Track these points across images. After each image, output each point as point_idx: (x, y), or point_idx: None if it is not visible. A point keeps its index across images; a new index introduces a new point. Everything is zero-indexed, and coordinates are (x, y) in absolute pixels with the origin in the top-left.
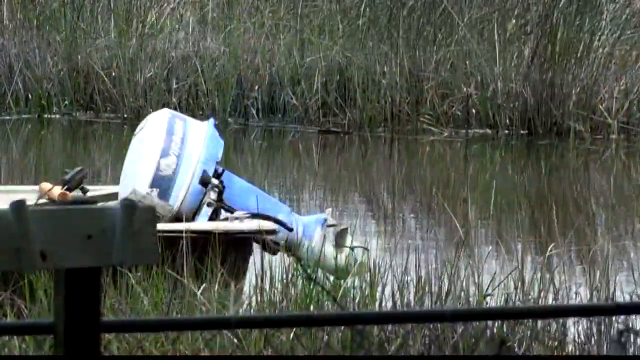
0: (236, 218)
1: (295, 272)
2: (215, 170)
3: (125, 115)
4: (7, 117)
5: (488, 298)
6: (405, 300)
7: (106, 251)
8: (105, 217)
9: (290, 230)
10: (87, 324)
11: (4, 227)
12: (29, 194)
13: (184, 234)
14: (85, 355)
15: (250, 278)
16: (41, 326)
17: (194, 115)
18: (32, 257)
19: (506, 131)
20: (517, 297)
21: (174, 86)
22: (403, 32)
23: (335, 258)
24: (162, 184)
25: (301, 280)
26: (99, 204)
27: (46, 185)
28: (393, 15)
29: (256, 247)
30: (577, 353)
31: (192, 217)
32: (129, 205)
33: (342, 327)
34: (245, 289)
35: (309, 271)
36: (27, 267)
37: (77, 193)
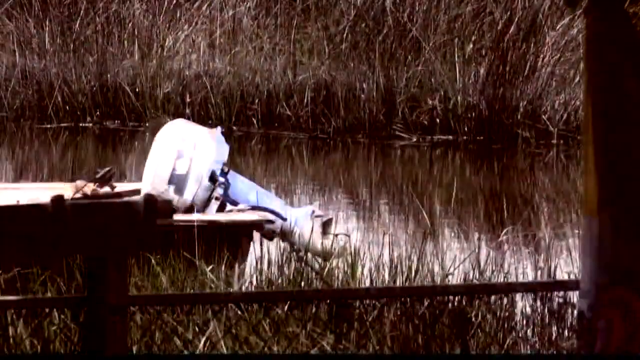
0: (239, 210)
1: (288, 255)
2: (222, 170)
3: (147, 124)
4: (48, 126)
5: (450, 276)
6: (381, 277)
7: (131, 237)
8: (130, 209)
9: (284, 220)
10: (116, 298)
11: (46, 218)
12: (67, 190)
13: (196, 223)
14: (113, 325)
15: (251, 260)
16: (77, 300)
17: (204, 124)
18: (70, 243)
19: (465, 137)
20: (474, 275)
21: (188, 100)
22: (379, 54)
23: (322, 243)
24: (178, 181)
25: (294, 262)
26: (125, 198)
27: (81, 183)
28: (370, 41)
29: (256, 235)
30: (524, 322)
31: (202, 209)
32: (150, 199)
33: (328, 301)
34: (247, 269)
35: (300, 254)
36: (66, 251)
37: (106, 189)
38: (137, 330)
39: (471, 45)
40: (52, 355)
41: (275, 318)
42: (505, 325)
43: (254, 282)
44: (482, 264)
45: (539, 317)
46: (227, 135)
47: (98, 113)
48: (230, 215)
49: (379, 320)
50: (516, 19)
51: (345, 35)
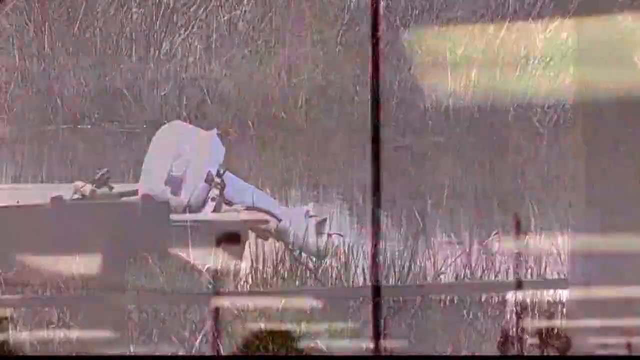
0: (235, 210)
1: (283, 255)
2: (218, 171)
3: (145, 126)
4: (48, 128)
5: (441, 275)
6: (374, 277)
7: (129, 237)
8: (128, 209)
9: (279, 220)
10: (114, 297)
11: (45, 217)
12: (66, 191)
13: (190, 224)
14: (111, 324)
15: (246, 259)
16: (77, 299)
17: (200, 127)
18: (69, 242)
19: (457, 138)
20: (465, 274)
21: (184, 102)
22: (372, 57)
23: (316, 243)
24: (175, 182)
25: (288, 262)
26: (123, 199)
27: (79, 183)
28: (363, 45)
29: (251, 235)
30: (515, 321)
31: (198, 210)
32: (148, 200)
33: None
34: (243, 268)
35: (294, 254)
36: (66, 251)
37: (104, 190)
38: (135, 328)
39: (463, 48)
40: (52, 355)
41: (270, 317)
42: (496, 324)
43: (249, 282)
44: (473, 263)
45: (529, 316)
46: (223, 137)
47: (96, 115)
48: (227, 216)
49: (372, 319)
50: (507, 22)
51: (339, 39)
